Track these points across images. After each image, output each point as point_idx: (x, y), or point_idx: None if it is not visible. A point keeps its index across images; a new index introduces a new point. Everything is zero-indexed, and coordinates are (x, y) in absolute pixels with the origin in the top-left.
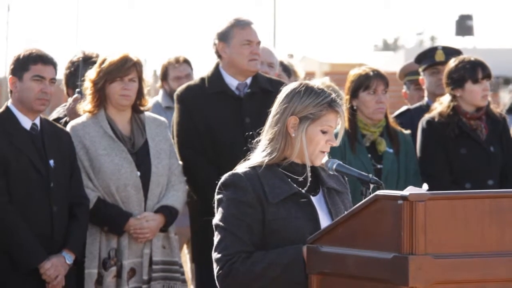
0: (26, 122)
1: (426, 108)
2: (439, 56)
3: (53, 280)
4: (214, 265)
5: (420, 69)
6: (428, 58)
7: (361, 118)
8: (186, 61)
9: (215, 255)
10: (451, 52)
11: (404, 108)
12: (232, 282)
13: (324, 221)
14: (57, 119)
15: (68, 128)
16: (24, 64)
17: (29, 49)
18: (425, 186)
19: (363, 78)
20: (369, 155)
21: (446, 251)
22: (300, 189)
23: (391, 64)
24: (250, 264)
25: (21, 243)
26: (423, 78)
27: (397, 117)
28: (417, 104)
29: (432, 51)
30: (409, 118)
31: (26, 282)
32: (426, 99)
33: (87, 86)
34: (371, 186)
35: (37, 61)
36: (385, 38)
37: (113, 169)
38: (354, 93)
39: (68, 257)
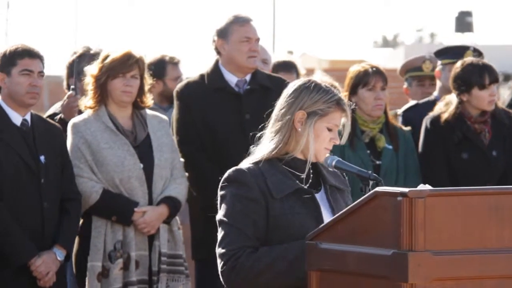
0: (16, 118)
1: (435, 104)
2: (468, 56)
3: (44, 277)
4: (218, 260)
5: (441, 62)
6: (456, 54)
7: (360, 114)
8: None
9: (219, 250)
10: (479, 54)
11: (412, 102)
12: (237, 277)
13: (327, 218)
14: (53, 115)
15: (69, 125)
16: (11, 60)
17: (14, 45)
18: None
19: (362, 75)
20: (368, 151)
21: (445, 247)
22: (303, 185)
23: (391, 60)
24: (255, 259)
25: (11, 240)
26: (440, 71)
27: (405, 111)
28: (426, 99)
29: (463, 49)
30: (418, 113)
31: (17, 279)
32: (435, 93)
33: (89, 81)
34: (371, 182)
35: (24, 56)
36: (384, 35)
37: (116, 161)
38: (353, 89)
39: (59, 253)
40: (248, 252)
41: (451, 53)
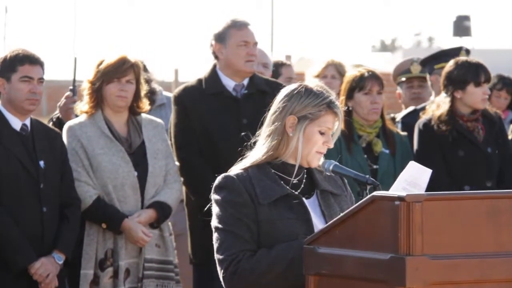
0: (16, 123)
1: None
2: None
3: (45, 279)
4: (218, 267)
5: (436, 66)
6: (452, 56)
7: (357, 119)
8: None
9: (218, 257)
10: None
11: (410, 108)
12: (239, 281)
13: (317, 223)
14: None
15: (65, 128)
16: (12, 66)
17: (15, 50)
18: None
19: (358, 79)
20: (365, 156)
21: (443, 251)
22: (293, 190)
23: (389, 64)
24: (255, 261)
25: (11, 244)
26: (436, 77)
27: (404, 118)
28: (423, 104)
29: (457, 50)
30: (417, 119)
31: (18, 283)
32: (433, 98)
33: (85, 86)
34: (368, 187)
35: (24, 62)
36: (382, 39)
37: (110, 168)
38: (349, 94)
39: (58, 258)
40: (247, 256)
41: (448, 56)
